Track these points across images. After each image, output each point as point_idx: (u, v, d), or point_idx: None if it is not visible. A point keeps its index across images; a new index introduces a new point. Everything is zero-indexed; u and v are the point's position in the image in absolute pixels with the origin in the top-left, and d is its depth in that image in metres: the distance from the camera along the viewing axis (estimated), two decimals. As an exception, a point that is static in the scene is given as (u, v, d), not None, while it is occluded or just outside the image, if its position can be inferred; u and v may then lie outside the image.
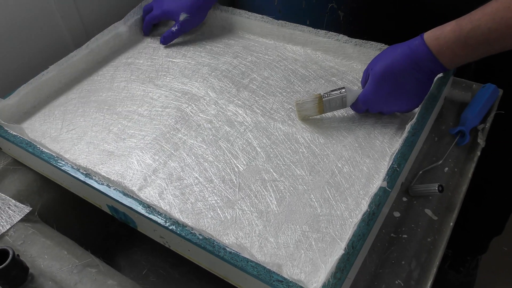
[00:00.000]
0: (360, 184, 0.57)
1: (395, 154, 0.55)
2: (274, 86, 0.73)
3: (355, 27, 1.00)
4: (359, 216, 0.49)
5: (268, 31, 0.84)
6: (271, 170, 0.59)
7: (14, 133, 0.64)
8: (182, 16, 0.82)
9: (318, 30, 0.79)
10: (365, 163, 0.59)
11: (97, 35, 0.81)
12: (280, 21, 0.82)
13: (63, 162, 0.59)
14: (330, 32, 0.78)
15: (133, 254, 0.76)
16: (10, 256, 0.43)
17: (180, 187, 0.58)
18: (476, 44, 0.53)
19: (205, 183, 0.58)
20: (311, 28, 0.79)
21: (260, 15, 0.84)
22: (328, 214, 0.54)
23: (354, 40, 0.75)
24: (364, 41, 0.75)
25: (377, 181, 0.56)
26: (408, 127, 0.58)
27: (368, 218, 0.49)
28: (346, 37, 0.76)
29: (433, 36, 0.56)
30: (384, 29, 0.85)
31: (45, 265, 0.54)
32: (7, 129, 0.64)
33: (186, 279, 0.72)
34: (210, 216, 0.54)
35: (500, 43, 0.52)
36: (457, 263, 1.15)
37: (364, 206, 0.53)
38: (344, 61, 0.77)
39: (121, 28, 0.85)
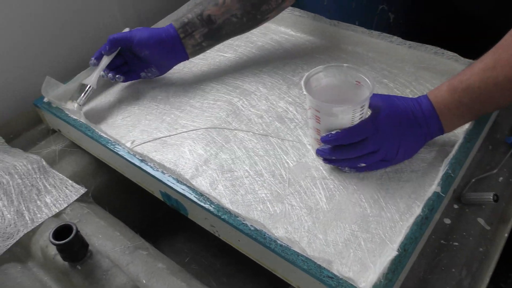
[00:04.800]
0: (411, 187, 0.56)
1: (450, 159, 0.54)
2: (324, 85, 0.73)
3: (405, 29, 0.99)
4: (412, 220, 0.49)
5: (320, 30, 0.84)
6: (321, 168, 0.60)
7: (74, 117, 0.66)
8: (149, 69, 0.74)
9: (371, 30, 0.78)
10: (417, 166, 0.58)
11: (152, 26, 0.84)
12: (333, 20, 0.82)
13: (120, 147, 0.61)
14: (384, 34, 0.77)
15: (176, 241, 0.78)
16: (74, 231, 0.45)
17: (230, 178, 0.59)
18: (471, 103, 0.54)
19: (255, 176, 0.59)
20: (364, 28, 0.79)
21: (312, 14, 0.85)
22: (378, 215, 0.53)
23: (408, 42, 0.75)
24: (418, 44, 0.74)
25: (429, 186, 0.55)
26: (463, 133, 0.58)
27: (421, 222, 0.48)
28: (400, 39, 0.76)
29: (433, 95, 0.56)
30: (434, 33, 0.84)
31: (99, 244, 0.56)
32: (67, 112, 0.67)
33: (227, 270, 0.73)
34: (259, 209, 0.55)
35: (492, 101, 0.53)
36: (499, 278, 1.12)
37: (416, 210, 0.53)
38: (396, 63, 0.76)
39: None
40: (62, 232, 0.46)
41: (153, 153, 0.64)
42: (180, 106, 0.71)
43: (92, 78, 0.71)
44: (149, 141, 0.65)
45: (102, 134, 0.63)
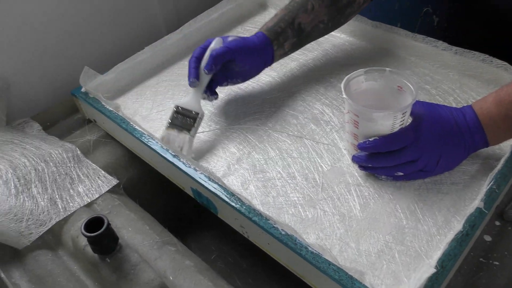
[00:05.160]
0: (450, 200, 0.54)
1: (495, 174, 0.52)
2: (363, 88, 0.71)
3: (450, 33, 0.95)
4: (451, 235, 0.46)
5: (360, 30, 0.82)
6: (356, 174, 0.58)
7: (110, 108, 0.67)
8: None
9: (415, 34, 0.75)
10: (458, 179, 0.56)
11: (190, 21, 0.83)
12: (375, 21, 0.80)
13: (154, 141, 0.61)
14: (428, 38, 0.74)
15: (203, 238, 0.78)
16: (105, 224, 0.45)
17: (262, 179, 0.58)
18: None
19: (287, 178, 0.58)
20: (407, 31, 0.76)
21: (354, 14, 0.82)
22: (414, 227, 0.51)
23: (454, 48, 0.71)
24: (465, 49, 0.70)
25: (470, 200, 0.53)
26: (510, 147, 0.55)
27: (461, 239, 0.46)
28: (445, 44, 0.72)
29: (478, 106, 0.53)
30: (481, 40, 0.80)
31: (128, 237, 0.56)
32: (104, 104, 0.67)
33: (253, 271, 0.72)
34: (291, 212, 0.54)
35: None
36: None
37: (455, 225, 0.50)
38: (440, 69, 0.73)
39: (213, 16, 0.87)
40: (94, 224, 0.46)
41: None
42: (215, 103, 0.71)
43: (193, 102, 0.62)
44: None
45: (137, 127, 0.63)
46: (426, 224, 0.51)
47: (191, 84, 0.62)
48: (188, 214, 0.80)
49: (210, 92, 0.65)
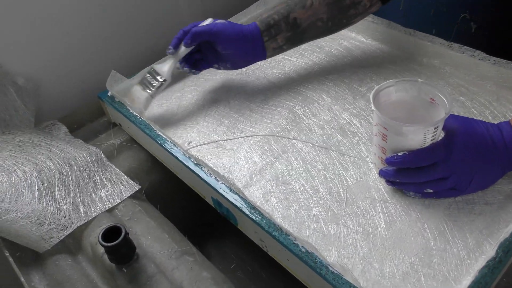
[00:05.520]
0: (483, 221, 0.51)
1: (533, 196, 0.48)
2: (393, 98, 0.68)
3: (488, 41, 0.91)
4: (482, 261, 0.44)
5: (394, 38, 0.79)
6: (383, 189, 0.56)
7: (134, 113, 0.67)
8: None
9: (451, 42, 0.72)
10: (492, 199, 0.53)
11: (219, 26, 0.82)
12: (408, 29, 0.77)
13: (176, 149, 0.60)
14: (465, 47, 0.71)
15: (224, 245, 0.77)
16: (123, 234, 0.45)
17: (285, 191, 0.57)
18: None
19: (310, 191, 0.56)
20: (442, 40, 0.73)
21: (387, 21, 0.80)
22: (443, 249, 0.49)
23: (492, 58, 0.68)
24: (504, 60, 0.67)
25: (505, 223, 0.50)
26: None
27: (493, 266, 0.43)
28: (483, 54, 0.69)
29: None
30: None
31: (147, 245, 0.56)
32: (129, 108, 0.67)
33: (273, 283, 0.71)
34: (312, 227, 0.52)
35: None
36: None
37: (487, 249, 0.47)
38: (476, 81, 0.69)
39: (242, 20, 0.86)
40: (112, 232, 0.45)
41: (208, 157, 0.62)
42: (240, 110, 0.70)
43: (165, 68, 0.68)
44: (205, 144, 0.64)
45: (160, 133, 0.63)
46: (455, 247, 0.49)
47: (168, 52, 0.67)
48: (210, 221, 0.79)
49: (189, 65, 0.70)
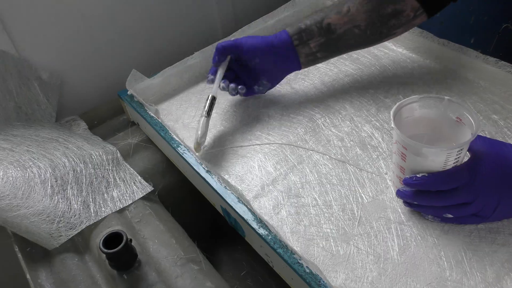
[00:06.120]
0: (506, 254, 0.47)
1: None
2: (420, 112, 0.65)
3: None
4: (500, 299, 0.40)
5: (426, 47, 0.75)
6: (399, 210, 0.53)
7: (151, 114, 0.66)
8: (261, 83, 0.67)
9: (487, 56, 0.68)
10: (517, 229, 0.49)
11: (244, 27, 0.81)
12: (442, 39, 0.73)
13: (189, 154, 0.59)
14: (502, 62, 0.66)
15: (235, 252, 0.76)
16: (124, 241, 0.44)
17: (296, 205, 0.55)
18: None
19: (323, 207, 0.54)
20: (478, 52, 0.69)
21: (420, 29, 0.76)
22: (459, 281, 0.45)
23: (532, 75, 0.63)
24: (545, 78, 0.62)
25: (530, 257, 0.46)
26: None
27: (512, 305, 0.40)
28: (521, 70, 0.64)
29: None
30: None
31: (153, 250, 0.55)
32: (146, 109, 0.67)
33: (282, 294, 0.69)
34: (321, 245, 0.50)
35: None
36: None
37: (508, 285, 0.44)
38: (512, 98, 0.65)
39: (269, 22, 0.84)
40: (114, 238, 0.45)
41: (222, 162, 0.61)
42: (258, 116, 0.68)
43: (213, 89, 0.64)
44: (220, 149, 0.63)
45: (174, 136, 0.62)
46: (473, 279, 0.45)
47: (208, 81, 0.65)
48: (223, 226, 0.78)
49: (234, 84, 0.65)
